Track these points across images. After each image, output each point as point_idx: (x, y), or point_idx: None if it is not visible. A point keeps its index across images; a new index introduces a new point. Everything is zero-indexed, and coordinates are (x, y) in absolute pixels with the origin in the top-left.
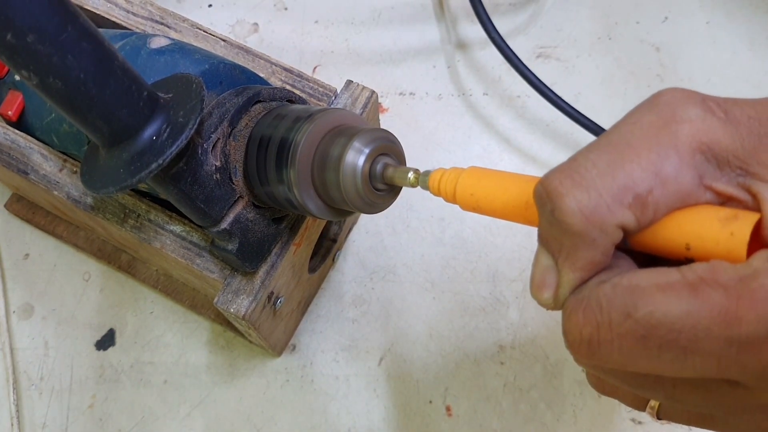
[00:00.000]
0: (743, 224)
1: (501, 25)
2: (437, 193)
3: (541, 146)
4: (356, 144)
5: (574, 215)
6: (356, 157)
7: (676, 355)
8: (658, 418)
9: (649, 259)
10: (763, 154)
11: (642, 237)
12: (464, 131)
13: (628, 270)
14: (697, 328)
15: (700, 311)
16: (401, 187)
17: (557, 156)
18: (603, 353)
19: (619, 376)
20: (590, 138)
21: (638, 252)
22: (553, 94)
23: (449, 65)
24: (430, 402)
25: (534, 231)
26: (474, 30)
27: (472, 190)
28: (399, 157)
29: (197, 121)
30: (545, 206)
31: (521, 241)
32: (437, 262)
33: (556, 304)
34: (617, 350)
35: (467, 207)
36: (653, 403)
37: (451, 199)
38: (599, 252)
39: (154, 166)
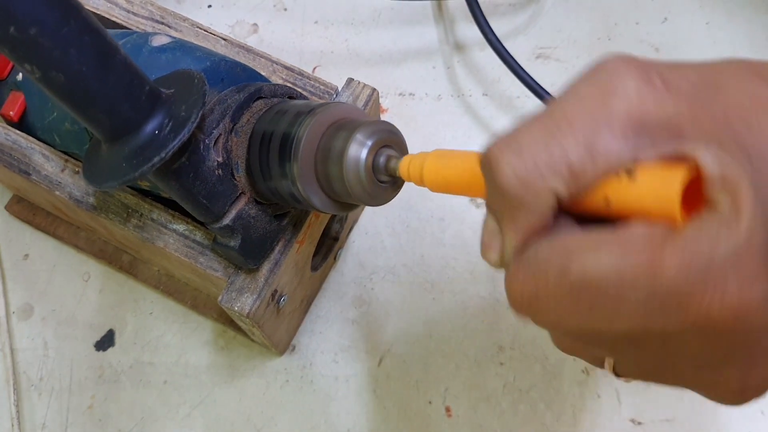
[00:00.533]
0: (672, 177)
1: (500, 25)
2: (408, 178)
3: None
4: (359, 136)
5: (508, 179)
6: (359, 149)
7: (606, 311)
8: (616, 374)
9: (593, 219)
10: (704, 120)
11: (577, 202)
12: (464, 132)
13: (569, 231)
14: (624, 282)
15: (626, 266)
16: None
17: None
18: (542, 311)
19: (568, 334)
20: None
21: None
22: (550, 96)
23: (449, 66)
24: (430, 402)
25: None
26: (473, 31)
27: (437, 170)
28: (402, 148)
29: (199, 115)
30: (487, 173)
31: None
32: (437, 263)
33: (501, 265)
34: (554, 308)
35: (435, 187)
36: (610, 360)
37: (419, 181)
38: (536, 216)
39: (156, 159)
